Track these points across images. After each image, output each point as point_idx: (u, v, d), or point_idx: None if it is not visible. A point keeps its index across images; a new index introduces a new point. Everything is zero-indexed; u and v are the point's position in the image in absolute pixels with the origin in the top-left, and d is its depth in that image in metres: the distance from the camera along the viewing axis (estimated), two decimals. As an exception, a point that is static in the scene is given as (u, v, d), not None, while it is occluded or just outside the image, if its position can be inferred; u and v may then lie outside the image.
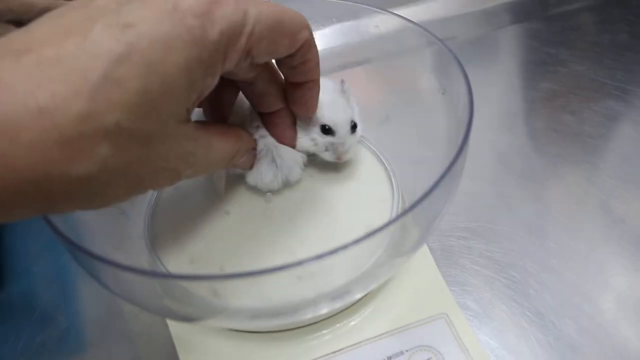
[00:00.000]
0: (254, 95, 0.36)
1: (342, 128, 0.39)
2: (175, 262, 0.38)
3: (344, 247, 0.27)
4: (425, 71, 0.42)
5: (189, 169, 0.29)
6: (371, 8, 0.45)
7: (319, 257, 0.26)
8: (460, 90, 0.35)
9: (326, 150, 0.40)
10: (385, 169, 0.43)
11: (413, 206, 0.29)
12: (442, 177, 0.30)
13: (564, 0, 0.70)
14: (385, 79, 0.48)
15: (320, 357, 0.35)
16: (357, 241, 0.27)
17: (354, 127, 0.40)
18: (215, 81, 0.27)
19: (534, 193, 0.48)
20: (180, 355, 0.37)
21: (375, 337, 0.36)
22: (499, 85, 0.60)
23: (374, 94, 0.48)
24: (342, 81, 0.40)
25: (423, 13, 0.68)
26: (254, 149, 0.38)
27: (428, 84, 0.42)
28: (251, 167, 0.38)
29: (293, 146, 0.39)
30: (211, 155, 0.31)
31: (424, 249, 0.41)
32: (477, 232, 0.45)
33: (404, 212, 0.29)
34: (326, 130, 0.39)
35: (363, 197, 0.40)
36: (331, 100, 0.39)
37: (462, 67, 0.36)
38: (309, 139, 0.39)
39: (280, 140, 0.38)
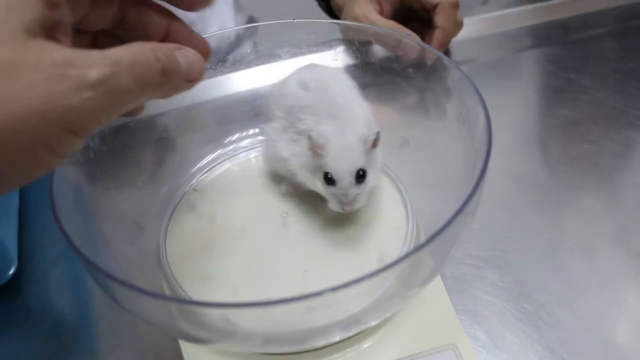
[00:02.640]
0: None
1: (344, 178, 0.37)
2: (189, 279, 0.38)
3: (354, 281, 0.27)
4: (445, 98, 0.42)
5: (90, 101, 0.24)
6: (390, 31, 0.45)
7: (328, 290, 0.26)
8: (478, 120, 0.35)
9: (332, 197, 0.38)
10: (402, 194, 0.43)
11: (428, 241, 0.29)
12: (458, 212, 0.30)
13: (586, 25, 0.70)
14: (405, 103, 0.48)
15: (327, 383, 0.35)
16: (368, 275, 0.27)
17: (361, 176, 0.38)
18: None
19: (549, 223, 0.48)
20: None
21: (384, 364, 0.36)
22: (517, 110, 0.60)
23: (394, 117, 0.48)
24: (378, 132, 0.39)
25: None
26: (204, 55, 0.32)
27: (447, 111, 0.42)
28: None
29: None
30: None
31: (437, 278, 0.41)
32: (490, 261, 0.45)
33: (419, 247, 0.29)
34: (328, 179, 0.38)
35: (378, 222, 0.41)
36: (342, 146, 0.38)
37: (481, 97, 0.36)
38: (313, 183, 0.39)
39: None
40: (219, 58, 0.49)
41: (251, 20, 0.79)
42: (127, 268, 0.38)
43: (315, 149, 0.38)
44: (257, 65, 0.50)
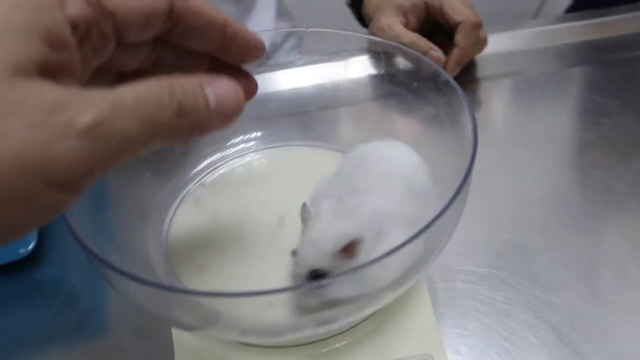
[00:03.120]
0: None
1: (296, 273, 0.34)
2: (186, 269, 0.40)
3: (340, 274, 0.28)
4: (447, 112, 0.43)
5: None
6: (404, 48, 0.46)
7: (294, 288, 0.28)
8: (466, 137, 0.36)
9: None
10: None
11: (401, 246, 0.30)
12: (423, 229, 0.31)
13: (618, 47, 0.69)
14: (414, 115, 0.48)
15: (302, 379, 0.37)
16: (350, 270, 0.29)
17: (316, 276, 0.33)
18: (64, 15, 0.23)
19: (548, 246, 0.48)
20: (177, 356, 0.39)
21: (357, 367, 0.37)
22: (536, 130, 0.60)
23: (400, 128, 0.49)
24: (356, 240, 0.33)
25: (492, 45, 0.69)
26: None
27: (450, 125, 0.43)
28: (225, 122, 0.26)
29: None
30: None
31: (423, 287, 0.41)
32: (483, 277, 0.45)
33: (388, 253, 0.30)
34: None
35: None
36: (314, 234, 0.34)
37: (472, 114, 0.37)
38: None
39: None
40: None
41: (294, 27, 0.81)
42: (127, 255, 0.40)
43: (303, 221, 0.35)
44: (271, 71, 0.52)
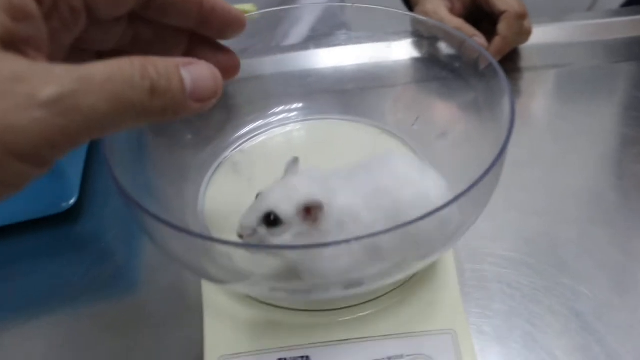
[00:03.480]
0: None
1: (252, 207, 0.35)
2: (219, 229, 0.41)
3: (370, 235, 0.29)
4: (487, 97, 0.43)
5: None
6: (448, 28, 0.46)
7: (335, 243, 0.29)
8: (505, 119, 0.36)
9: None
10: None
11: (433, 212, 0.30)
12: (461, 195, 0.31)
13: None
14: (450, 98, 0.49)
15: (324, 342, 0.37)
16: (375, 234, 0.29)
17: (268, 221, 0.34)
18: None
19: (579, 237, 0.48)
20: (205, 313, 0.40)
21: (381, 336, 0.38)
22: (581, 123, 0.59)
23: (437, 110, 0.49)
24: (318, 204, 0.34)
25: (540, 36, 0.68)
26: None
27: (487, 110, 0.43)
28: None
29: None
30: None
31: (450, 264, 0.42)
32: (512, 262, 0.46)
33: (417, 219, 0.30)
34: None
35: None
36: (295, 179, 0.36)
37: (512, 99, 0.37)
38: None
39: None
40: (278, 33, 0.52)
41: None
42: (165, 211, 0.41)
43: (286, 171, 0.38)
44: (315, 47, 0.53)
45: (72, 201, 0.50)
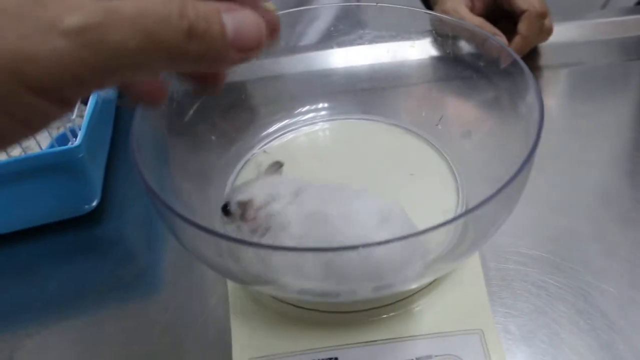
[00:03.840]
0: None
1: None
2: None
3: (385, 241, 0.29)
4: (512, 96, 0.43)
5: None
6: (469, 26, 0.46)
7: (361, 246, 0.29)
8: (533, 119, 0.36)
9: None
10: (456, 182, 0.44)
11: (464, 214, 0.30)
12: (497, 192, 0.31)
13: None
14: (474, 97, 0.49)
15: (352, 343, 0.38)
16: (399, 238, 0.29)
17: (224, 210, 0.39)
18: None
19: (605, 235, 0.48)
20: (232, 315, 0.40)
21: (409, 336, 0.38)
22: (603, 121, 0.59)
23: (460, 109, 0.49)
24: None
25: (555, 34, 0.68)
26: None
27: (512, 109, 0.43)
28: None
29: None
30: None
31: (477, 264, 0.42)
32: (536, 261, 0.46)
33: (452, 219, 0.30)
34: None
35: (427, 204, 0.42)
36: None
37: (540, 97, 0.37)
38: None
39: None
40: (299, 32, 0.52)
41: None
42: (192, 212, 0.41)
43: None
44: (338, 46, 0.53)
45: (94, 203, 0.50)
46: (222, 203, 0.39)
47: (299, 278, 0.33)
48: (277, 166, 0.42)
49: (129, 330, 0.44)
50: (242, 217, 0.38)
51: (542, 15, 0.62)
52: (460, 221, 0.31)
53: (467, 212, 0.30)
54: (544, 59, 0.67)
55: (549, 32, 0.65)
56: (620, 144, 0.57)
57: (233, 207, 0.38)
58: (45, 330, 0.44)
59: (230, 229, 0.38)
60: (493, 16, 0.64)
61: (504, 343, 0.40)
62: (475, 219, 0.31)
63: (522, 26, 0.61)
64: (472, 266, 0.41)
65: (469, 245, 0.35)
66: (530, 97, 0.38)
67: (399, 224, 0.35)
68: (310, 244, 0.34)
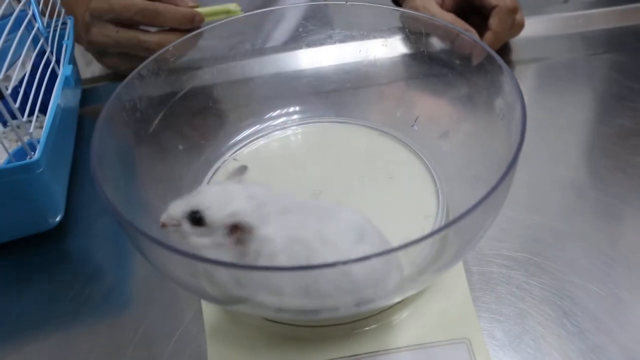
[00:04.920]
0: None
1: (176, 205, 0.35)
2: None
3: (368, 256, 0.27)
4: (490, 94, 0.42)
5: None
6: (441, 22, 0.45)
7: (341, 263, 0.27)
8: (515, 117, 0.35)
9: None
10: (435, 185, 0.43)
11: (445, 227, 0.29)
12: (480, 202, 0.30)
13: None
14: (453, 96, 0.47)
15: (338, 358, 0.36)
16: (382, 252, 0.28)
17: (195, 219, 0.34)
18: None
19: (586, 233, 0.47)
20: (208, 333, 0.38)
21: (394, 349, 0.36)
22: (572, 115, 0.58)
23: (436, 108, 0.48)
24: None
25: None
26: None
27: (492, 107, 0.42)
28: None
29: None
30: None
31: (460, 270, 0.41)
32: (520, 263, 0.44)
33: (437, 231, 0.29)
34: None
35: (407, 210, 0.41)
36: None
37: (520, 94, 0.35)
38: None
39: None
40: (266, 33, 0.50)
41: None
42: (158, 226, 0.39)
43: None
44: (308, 47, 0.51)
45: (58, 218, 0.48)
46: (178, 210, 0.34)
47: (281, 297, 0.31)
48: (242, 170, 0.38)
49: (100, 350, 0.42)
50: (238, 241, 0.33)
51: (513, 11, 0.61)
52: (443, 233, 0.29)
53: (452, 222, 0.29)
54: (508, 55, 0.66)
55: (520, 26, 0.64)
56: (600, 138, 0.56)
57: (213, 219, 0.33)
58: (11, 354, 0.42)
59: (199, 241, 0.33)
60: (463, 12, 0.63)
61: (491, 350, 0.39)
62: (459, 229, 0.29)
63: (493, 22, 0.61)
64: (455, 272, 0.40)
65: (453, 255, 0.33)
66: (510, 94, 0.37)
67: (374, 239, 0.35)
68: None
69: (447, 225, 0.28)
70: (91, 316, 0.44)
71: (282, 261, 0.32)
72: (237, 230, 0.33)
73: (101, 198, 0.32)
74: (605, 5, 0.73)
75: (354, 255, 0.29)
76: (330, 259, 0.32)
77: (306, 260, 0.32)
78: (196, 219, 0.33)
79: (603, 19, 0.71)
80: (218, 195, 0.34)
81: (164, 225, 0.34)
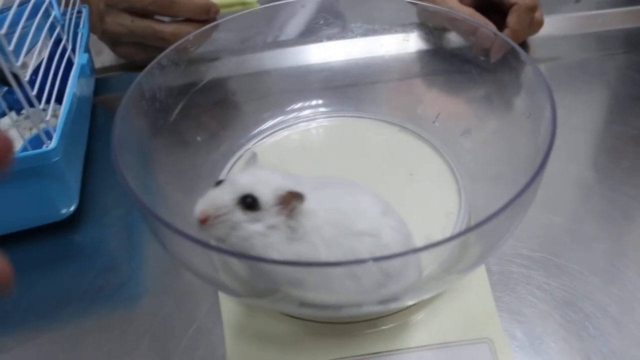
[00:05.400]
0: None
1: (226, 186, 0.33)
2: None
3: (395, 255, 0.27)
4: (514, 91, 0.41)
5: None
6: (466, 18, 0.44)
7: (367, 260, 0.27)
8: (544, 117, 0.34)
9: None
10: (457, 182, 0.42)
11: (474, 227, 0.28)
12: (510, 202, 0.29)
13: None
14: (473, 93, 0.47)
15: (355, 356, 0.35)
16: (411, 251, 0.27)
17: (249, 204, 0.32)
18: None
19: (606, 234, 0.46)
20: (225, 326, 0.38)
21: (418, 347, 0.36)
22: (590, 115, 0.58)
23: (458, 105, 0.47)
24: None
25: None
26: None
27: (514, 104, 0.41)
28: None
29: None
30: None
31: (482, 270, 0.40)
32: (539, 263, 0.44)
33: (463, 232, 0.28)
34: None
35: (428, 207, 0.40)
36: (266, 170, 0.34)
37: (551, 93, 0.35)
38: None
39: None
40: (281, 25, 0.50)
41: None
42: (179, 219, 0.39)
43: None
44: (328, 40, 0.50)
45: (72, 208, 0.47)
46: (225, 198, 0.32)
47: (316, 290, 0.30)
48: (254, 157, 0.36)
49: (114, 342, 0.41)
50: (291, 211, 0.32)
51: (532, 9, 0.60)
52: (476, 231, 0.29)
53: (484, 221, 0.28)
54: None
55: (539, 24, 0.63)
56: (604, 138, 0.56)
57: (266, 199, 0.31)
58: (23, 344, 0.41)
59: (252, 228, 0.31)
60: (481, 9, 0.63)
61: (512, 351, 0.38)
62: (489, 228, 0.29)
63: (511, 20, 0.60)
64: (476, 272, 0.39)
65: (478, 255, 0.33)
66: (537, 91, 0.36)
67: (395, 215, 0.35)
68: (333, 244, 0.31)
69: (480, 223, 0.28)
70: (105, 307, 0.43)
71: (327, 232, 0.32)
72: (290, 200, 0.31)
73: (118, 184, 0.31)
74: (618, 5, 0.72)
75: (384, 227, 0.30)
76: (365, 229, 0.32)
77: (349, 230, 0.32)
78: (248, 203, 0.31)
79: (618, 18, 0.71)
80: (255, 178, 0.33)
81: (204, 221, 0.32)
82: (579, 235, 0.46)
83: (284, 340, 0.37)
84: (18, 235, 0.47)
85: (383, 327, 0.37)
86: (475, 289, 0.38)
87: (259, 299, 0.34)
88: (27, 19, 0.44)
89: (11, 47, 0.39)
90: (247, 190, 0.32)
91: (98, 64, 0.69)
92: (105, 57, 0.71)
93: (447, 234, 0.39)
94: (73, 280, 0.45)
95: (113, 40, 0.65)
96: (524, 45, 0.66)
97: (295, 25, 0.64)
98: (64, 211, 0.47)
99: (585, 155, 0.54)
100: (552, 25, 0.68)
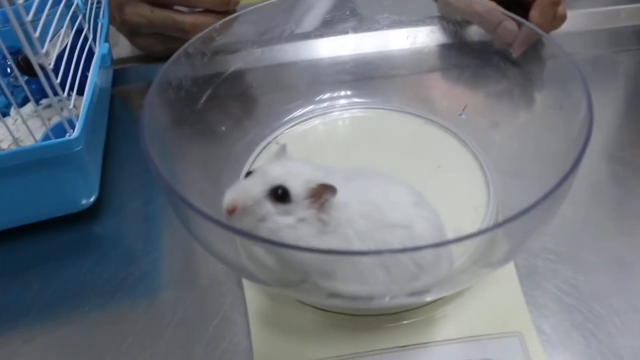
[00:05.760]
0: None
1: (256, 177, 0.33)
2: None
3: (425, 246, 0.26)
4: (544, 83, 0.41)
5: None
6: (496, 9, 0.44)
7: (399, 250, 0.26)
8: (579, 109, 0.34)
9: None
10: (485, 175, 0.42)
11: (506, 221, 0.28)
12: (545, 197, 0.29)
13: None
14: (498, 87, 0.46)
15: (383, 349, 0.35)
16: (445, 242, 0.27)
17: (279, 196, 0.31)
18: None
19: (631, 229, 0.46)
20: (251, 317, 0.38)
21: (446, 340, 0.35)
22: (610, 111, 0.57)
23: (486, 98, 0.47)
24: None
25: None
26: None
27: (543, 97, 0.41)
28: None
29: None
30: None
31: (510, 264, 0.40)
32: (565, 257, 0.43)
33: (496, 226, 0.28)
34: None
35: (456, 200, 0.40)
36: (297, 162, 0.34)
37: (587, 86, 0.34)
38: None
39: None
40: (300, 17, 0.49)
41: None
42: (204, 208, 0.38)
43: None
44: (354, 31, 0.50)
45: (92, 198, 0.47)
46: (255, 190, 0.31)
47: (354, 282, 0.30)
48: (283, 149, 0.36)
49: (136, 334, 0.41)
50: (323, 204, 0.31)
51: (556, 3, 0.60)
52: (511, 224, 0.28)
53: (519, 214, 0.28)
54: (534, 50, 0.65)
55: (562, 19, 0.62)
56: (619, 135, 0.55)
57: (297, 192, 0.31)
58: (43, 336, 0.41)
59: (282, 221, 0.31)
60: (503, 3, 0.62)
61: (541, 345, 0.38)
62: (523, 222, 0.28)
63: (534, 14, 0.59)
64: (505, 267, 0.39)
65: (509, 250, 0.32)
66: (571, 84, 0.36)
67: (427, 205, 0.35)
68: (365, 236, 0.31)
69: (515, 216, 0.27)
70: (127, 298, 0.43)
71: (359, 224, 0.31)
72: (321, 193, 0.31)
73: (136, 174, 0.31)
74: (631, 1, 0.71)
75: (417, 218, 0.30)
76: (398, 220, 0.32)
77: (381, 223, 0.31)
78: (279, 195, 0.31)
79: (631, 14, 0.70)
80: (285, 169, 0.32)
81: (232, 211, 0.32)
82: (604, 229, 0.46)
83: (309, 331, 0.36)
84: (37, 226, 0.47)
85: (412, 320, 0.37)
86: (503, 283, 0.38)
87: (286, 288, 0.34)
88: (51, 7, 0.44)
89: (37, 34, 0.39)
90: (278, 181, 0.31)
91: (114, 56, 0.69)
92: (121, 49, 0.71)
93: (476, 227, 0.38)
94: (94, 272, 0.45)
95: (132, 31, 0.64)
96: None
97: (314, 16, 0.64)
98: (84, 202, 0.47)
99: (606, 150, 0.53)
100: (569, 21, 0.68)
